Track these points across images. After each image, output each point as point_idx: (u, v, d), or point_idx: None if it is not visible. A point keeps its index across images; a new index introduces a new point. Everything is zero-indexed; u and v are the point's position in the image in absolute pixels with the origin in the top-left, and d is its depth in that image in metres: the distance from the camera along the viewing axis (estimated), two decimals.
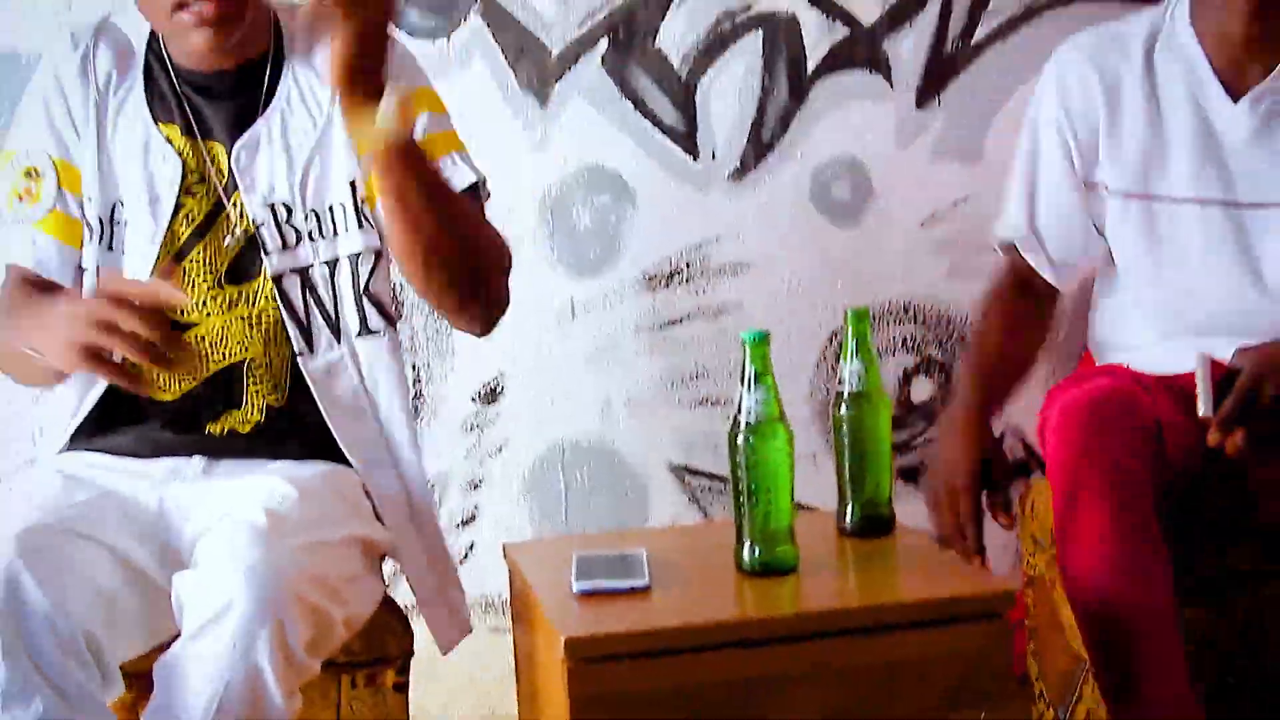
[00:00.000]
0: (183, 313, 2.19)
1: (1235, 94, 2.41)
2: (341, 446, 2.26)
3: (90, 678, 1.91)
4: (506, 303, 2.25)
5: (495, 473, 3.14)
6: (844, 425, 2.30)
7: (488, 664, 3.06)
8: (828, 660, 2.07)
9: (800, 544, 2.17)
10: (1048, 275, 2.52)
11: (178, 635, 1.97)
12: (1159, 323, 2.47)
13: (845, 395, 2.30)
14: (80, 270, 2.25)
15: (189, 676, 1.91)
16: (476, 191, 2.26)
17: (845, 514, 2.31)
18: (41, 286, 2.22)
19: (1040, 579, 2.59)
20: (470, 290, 2.20)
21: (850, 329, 2.30)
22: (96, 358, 1.98)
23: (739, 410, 2.14)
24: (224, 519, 2.05)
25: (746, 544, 2.16)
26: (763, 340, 2.11)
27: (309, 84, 2.26)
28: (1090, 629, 2.25)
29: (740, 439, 2.13)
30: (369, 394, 2.30)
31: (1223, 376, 2.21)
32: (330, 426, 2.25)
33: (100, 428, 2.24)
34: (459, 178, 2.24)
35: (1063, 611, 2.46)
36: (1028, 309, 2.59)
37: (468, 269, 2.17)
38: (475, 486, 3.11)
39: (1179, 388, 2.37)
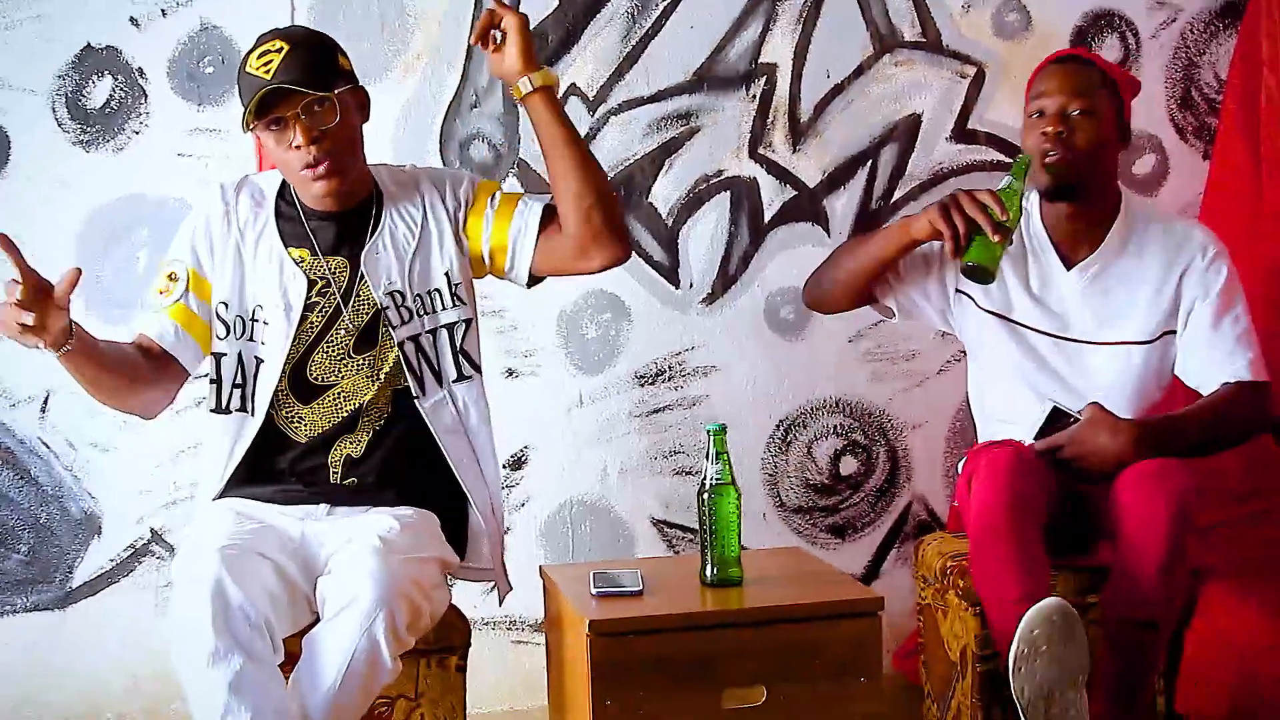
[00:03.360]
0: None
1: (1069, 264, 2.91)
2: (444, 452, 2.66)
3: (267, 647, 2.35)
4: (630, 244, 2.69)
5: (519, 522, 3.50)
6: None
7: (512, 667, 3.50)
8: (761, 640, 2.54)
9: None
10: (888, 304, 3.00)
11: (315, 622, 2.43)
12: (1017, 396, 2.89)
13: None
14: (219, 356, 2.64)
15: (328, 645, 2.36)
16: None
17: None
18: (151, 354, 2.62)
19: (928, 608, 3.00)
20: (611, 211, 2.62)
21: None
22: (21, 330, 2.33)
23: (704, 476, 2.62)
24: (350, 543, 2.49)
25: (707, 565, 2.64)
26: (721, 430, 2.62)
27: (403, 210, 2.71)
28: (993, 610, 2.64)
29: (705, 495, 2.61)
30: (462, 420, 2.71)
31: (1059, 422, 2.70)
32: (438, 442, 2.66)
33: (247, 478, 2.66)
34: (539, 201, 2.72)
35: (944, 630, 2.90)
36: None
37: (607, 190, 2.64)
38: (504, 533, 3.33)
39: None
